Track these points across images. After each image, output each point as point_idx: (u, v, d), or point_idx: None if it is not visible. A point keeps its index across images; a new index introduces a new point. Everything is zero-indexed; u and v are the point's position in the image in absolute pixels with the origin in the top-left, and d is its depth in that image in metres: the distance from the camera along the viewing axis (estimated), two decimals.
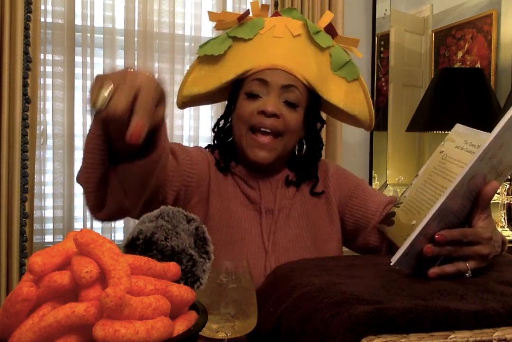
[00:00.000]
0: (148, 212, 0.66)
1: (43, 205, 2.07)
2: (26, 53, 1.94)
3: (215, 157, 1.15)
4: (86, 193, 0.86)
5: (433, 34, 2.60)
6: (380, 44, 2.51)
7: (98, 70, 2.10)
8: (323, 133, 2.28)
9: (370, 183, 2.48)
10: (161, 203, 0.97)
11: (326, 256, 1.08)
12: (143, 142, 0.72)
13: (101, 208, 0.88)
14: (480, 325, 0.61)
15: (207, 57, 1.16)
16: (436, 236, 0.75)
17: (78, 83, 2.07)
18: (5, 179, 1.92)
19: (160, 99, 0.72)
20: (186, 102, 1.21)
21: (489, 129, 0.81)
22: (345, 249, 1.21)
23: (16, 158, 1.93)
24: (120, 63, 2.13)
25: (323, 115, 1.24)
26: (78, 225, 2.09)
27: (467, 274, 0.77)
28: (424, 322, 0.60)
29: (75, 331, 0.48)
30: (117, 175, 0.82)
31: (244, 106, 1.10)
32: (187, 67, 2.13)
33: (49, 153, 2.07)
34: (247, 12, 1.18)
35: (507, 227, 2.25)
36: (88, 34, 2.08)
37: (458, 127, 0.92)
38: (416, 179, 0.98)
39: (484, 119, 2.09)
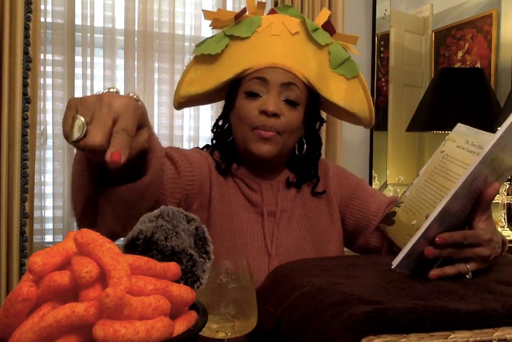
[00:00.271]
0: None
1: (43, 205, 2.07)
2: (26, 53, 1.94)
3: (215, 159, 1.13)
4: (77, 216, 0.83)
5: (433, 34, 2.60)
6: (380, 44, 2.51)
7: (98, 70, 2.10)
8: (323, 133, 2.29)
9: (370, 183, 2.48)
10: None
11: (326, 256, 1.08)
12: (135, 166, 0.70)
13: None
14: (480, 325, 0.61)
15: (204, 57, 1.14)
16: (437, 239, 0.75)
17: (78, 83, 2.07)
18: (5, 179, 1.92)
19: (141, 122, 0.68)
20: (182, 102, 1.20)
21: (489, 129, 0.81)
22: (345, 249, 1.21)
23: (16, 158, 1.93)
24: (120, 63, 2.13)
25: (323, 114, 1.24)
26: None
27: (467, 276, 0.77)
28: (424, 322, 0.60)
29: (75, 331, 0.48)
30: (107, 199, 0.78)
31: (245, 106, 1.08)
32: None
33: (49, 153, 2.07)
34: (244, 10, 1.16)
35: (507, 227, 2.25)
36: (88, 34, 2.08)
37: (459, 127, 0.92)
38: (417, 178, 0.98)
39: (484, 119, 2.09)
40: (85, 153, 0.73)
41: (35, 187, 2.00)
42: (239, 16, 1.15)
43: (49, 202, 2.07)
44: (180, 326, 0.53)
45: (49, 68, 2.05)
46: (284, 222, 1.11)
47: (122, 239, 0.66)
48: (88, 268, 0.49)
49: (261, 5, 1.20)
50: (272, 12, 1.22)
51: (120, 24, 2.13)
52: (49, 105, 2.05)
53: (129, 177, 0.75)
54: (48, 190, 2.07)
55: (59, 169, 2.06)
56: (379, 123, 2.51)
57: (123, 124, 0.64)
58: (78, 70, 2.07)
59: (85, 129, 0.63)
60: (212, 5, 2.28)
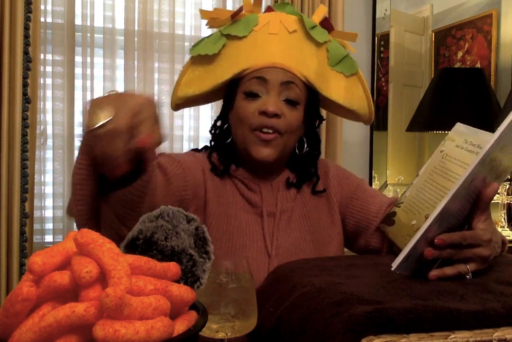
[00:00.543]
0: None
1: (43, 205, 2.07)
2: (26, 53, 1.94)
3: (213, 161, 1.12)
4: (80, 226, 0.84)
5: (433, 34, 2.60)
6: (380, 44, 2.51)
7: (98, 70, 2.10)
8: (323, 133, 2.29)
9: (370, 183, 2.48)
10: None
11: (326, 256, 1.08)
12: (133, 166, 0.72)
13: None
14: (480, 325, 0.61)
15: (201, 57, 1.13)
16: (436, 240, 0.75)
17: (78, 83, 2.07)
18: (5, 179, 1.92)
19: (157, 118, 0.71)
20: (180, 104, 1.19)
21: (489, 129, 0.81)
22: (345, 249, 1.21)
23: (16, 158, 1.93)
24: (120, 63, 2.13)
25: (322, 112, 1.23)
26: None
27: (467, 276, 0.77)
28: (424, 322, 0.60)
29: (75, 331, 0.48)
30: (109, 204, 0.79)
31: (244, 107, 1.07)
32: None
33: (49, 153, 2.07)
34: (241, 9, 1.15)
35: (507, 227, 2.25)
36: (88, 34, 2.08)
37: (459, 127, 0.92)
38: (416, 178, 0.98)
39: (484, 119, 2.09)
40: (87, 161, 0.75)
41: (35, 187, 2.00)
42: (235, 15, 1.13)
43: (49, 202, 2.07)
44: (180, 326, 0.53)
45: (49, 68, 2.05)
46: (284, 223, 1.11)
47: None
48: (88, 268, 0.49)
49: (258, 3, 1.18)
50: (268, 9, 1.20)
51: (120, 24, 2.13)
52: (49, 105, 2.05)
53: (126, 181, 0.76)
54: (48, 190, 2.07)
55: (59, 169, 2.06)
56: (379, 123, 2.51)
57: (147, 114, 0.68)
58: (78, 70, 2.06)
59: (109, 118, 0.66)
60: (212, 5, 2.28)
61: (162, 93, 2.17)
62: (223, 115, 1.15)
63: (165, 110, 2.21)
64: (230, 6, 2.26)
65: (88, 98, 2.07)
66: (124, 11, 2.12)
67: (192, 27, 2.22)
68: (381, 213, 1.12)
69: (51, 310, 0.49)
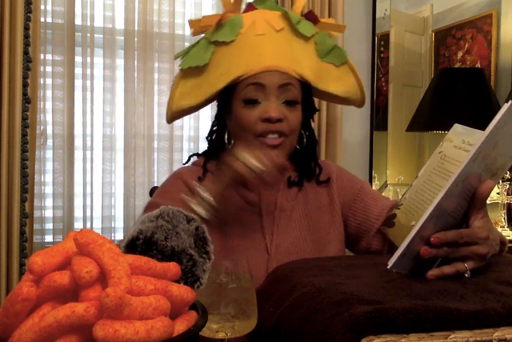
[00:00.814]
0: None
1: (43, 205, 2.07)
2: (26, 53, 1.94)
3: (209, 170, 1.12)
4: None
5: (433, 34, 2.60)
6: (380, 44, 2.51)
7: (98, 70, 2.10)
8: (323, 133, 2.29)
9: (370, 183, 2.48)
10: None
11: (326, 256, 1.08)
12: None
13: None
14: (480, 325, 0.61)
15: (191, 69, 1.11)
16: (432, 239, 0.75)
17: (78, 83, 2.06)
18: (5, 179, 1.92)
19: None
20: (175, 117, 1.19)
21: None
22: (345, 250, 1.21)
23: (16, 158, 1.93)
24: (120, 63, 2.13)
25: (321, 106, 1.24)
26: (78, 225, 2.09)
27: (466, 275, 0.77)
28: (424, 322, 0.60)
29: (75, 331, 0.48)
30: None
31: (245, 115, 1.06)
32: None
33: (49, 153, 2.06)
34: (225, 14, 1.12)
35: (507, 227, 2.25)
36: (88, 34, 2.08)
37: (456, 127, 0.92)
38: (416, 180, 0.98)
39: (484, 119, 2.09)
40: None
41: (35, 187, 2.00)
42: (220, 21, 1.10)
43: (49, 202, 2.07)
44: (180, 326, 0.53)
45: (49, 68, 2.04)
46: (284, 222, 1.11)
47: (122, 239, 0.66)
48: (88, 268, 0.49)
49: (238, 2, 1.16)
50: (250, 7, 1.17)
51: (120, 24, 2.13)
52: (49, 105, 2.05)
53: None
54: (48, 190, 2.07)
55: (59, 169, 2.06)
56: (379, 123, 2.50)
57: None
58: (78, 70, 2.06)
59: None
60: (212, 5, 2.28)
61: (162, 93, 2.16)
62: (220, 122, 1.14)
63: (165, 110, 2.21)
64: None
65: (88, 98, 2.07)
66: (124, 11, 2.12)
67: None
68: (383, 216, 1.11)
69: (51, 310, 0.49)
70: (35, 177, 2.00)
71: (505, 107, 0.74)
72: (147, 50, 2.13)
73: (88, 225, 2.08)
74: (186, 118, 2.21)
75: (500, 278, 0.77)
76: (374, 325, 0.59)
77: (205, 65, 1.10)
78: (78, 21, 2.06)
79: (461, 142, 0.88)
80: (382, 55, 2.52)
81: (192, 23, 1.18)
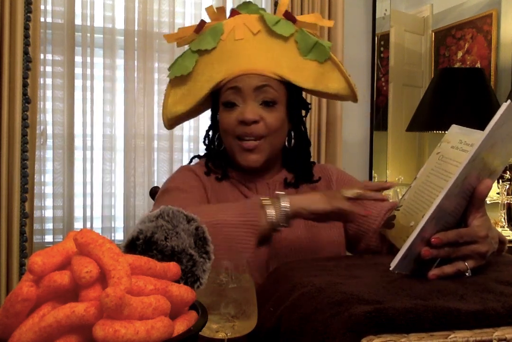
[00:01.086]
0: None
1: (43, 205, 2.07)
2: (26, 53, 1.94)
3: (210, 168, 1.16)
4: None
5: (433, 34, 2.60)
6: (380, 44, 2.51)
7: (98, 70, 2.10)
8: (323, 133, 2.29)
9: None
10: None
11: (326, 256, 1.08)
12: None
13: None
14: (480, 325, 0.61)
15: (179, 78, 1.17)
16: (432, 239, 0.76)
17: (78, 83, 2.06)
18: (5, 178, 1.92)
19: None
20: (172, 123, 1.24)
21: None
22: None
23: (16, 158, 1.93)
24: (120, 63, 2.13)
25: (315, 105, 1.24)
26: (78, 225, 2.09)
27: (467, 274, 0.77)
28: (424, 322, 0.60)
29: (75, 331, 0.48)
30: None
31: (225, 118, 1.11)
32: None
33: (49, 153, 2.06)
34: (202, 22, 1.16)
35: (507, 227, 2.25)
36: (88, 34, 2.08)
37: (453, 128, 0.92)
38: (415, 181, 0.98)
39: (484, 120, 2.09)
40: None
41: (35, 187, 2.00)
42: (199, 30, 1.15)
43: (49, 202, 2.07)
44: (180, 326, 0.53)
45: (49, 68, 2.05)
46: None
47: (122, 239, 0.66)
48: (88, 268, 0.49)
49: (221, 10, 1.20)
50: (233, 13, 1.21)
51: (120, 24, 2.13)
52: (49, 105, 2.05)
53: None
54: (48, 190, 2.07)
55: (59, 169, 2.06)
56: (379, 123, 2.50)
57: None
58: (78, 70, 2.06)
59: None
60: (212, 5, 2.28)
61: (162, 93, 2.15)
62: (213, 125, 1.20)
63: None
64: (230, 6, 2.26)
65: (88, 98, 2.07)
66: (124, 11, 2.12)
67: None
68: (381, 217, 1.12)
69: (51, 310, 0.49)
70: (35, 177, 2.00)
71: (503, 106, 0.74)
72: (147, 50, 2.13)
73: (88, 225, 2.08)
74: None
75: (500, 278, 0.77)
76: (374, 325, 0.59)
77: (191, 73, 1.16)
78: (78, 21, 2.06)
79: (458, 143, 0.88)
80: (382, 55, 2.52)
81: (167, 37, 1.23)
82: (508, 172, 2.21)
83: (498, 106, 2.16)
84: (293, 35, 1.14)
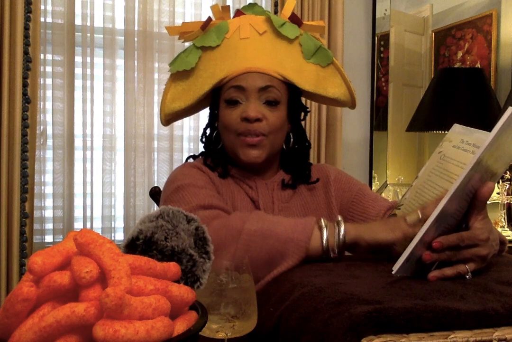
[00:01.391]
0: None
1: (43, 205, 2.07)
2: (26, 53, 1.94)
3: (210, 165, 1.16)
4: None
5: (433, 34, 2.60)
6: (380, 44, 2.51)
7: (98, 70, 2.10)
8: (323, 133, 2.29)
9: (370, 183, 2.48)
10: None
11: None
12: None
13: None
14: (480, 325, 0.61)
15: (181, 73, 1.17)
16: (434, 244, 0.76)
17: (78, 83, 2.06)
18: (5, 178, 1.92)
19: None
20: (170, 119, 1.24)
21: (488, 129, 0.81)
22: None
23: (16, 158, 1.93)
24: (120, 63, 2.13)
25: (315, 106, 1.25)
26: (78, 225, 2.09)
27: (467, 276, 0.77)
28: (424, 322, 0.60)
29: (75, 331, 0.48)
30: None
31: (227, 115, 1.11)
32: None
33: (49, 153, 2.06)
34: (209, 19, 1.17)
35: (507, 227, 2.25)
36: (88, 34, 2.07)
37: (455, 127, 0.92)
38: (416, 180, 0.98)
39: (484, 119, 2.09)
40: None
41: (35, 187, 2.00)
42: (205, 26, 1.15)
43: (49, 202, 2.07)
44: (180, 326, 0.53)
45: (49, 68, 2.04)
46: None
47: (122, 239, 0.66)
48: (88, 268, 0.49)
49: (226, 9, 1.21)
50: (238, 13, 1.22)
51: (120, 24, 2.13)
52: (49, 105, 2.05)
53: None
54: (48, 190, 2.07)
55: (59, 169, 2.06)
56: (379, 123, 2.50)
57: None
58: (78, 70, 2.06)
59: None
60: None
61: (162, 93, 2.16)
62: (211, 123, 1.20)
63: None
64: (230, 7, 2.25)
65: (88, 98, 2.07)
66: (124, 11, 2.12)
67: None
68: (380, 216, 1.13)
69: (51, 310, 0.49)
70: (35, 177, 2.00)
71: (509, 111, 0.74)
72: (147, 50, 2.13)
73: (88, 225, 2.08)
74: (186, 118, 2.21)
75: (500, 278, 0.77)
76: (374, 325, 0.59)
77: (193, 69, 1.16)
78: (78, 21, 2.06)
79: (460, 142, 0.88)
80: (382, 55, 2.52)
81: (169, 29, 1.22)
82: (508, 172, 2.21)
83: (498, 106, 2.17)
84: (298, 38, 1.16)
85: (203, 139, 1.22)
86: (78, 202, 2.08)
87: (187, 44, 2.17)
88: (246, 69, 1.11)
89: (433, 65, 2.60)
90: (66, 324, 0.47)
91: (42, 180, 2.06)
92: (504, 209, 2.25)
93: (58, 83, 2.04)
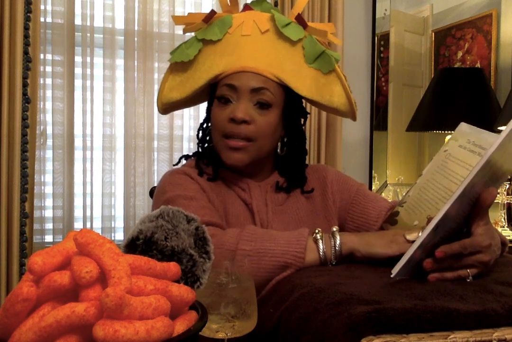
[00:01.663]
0: None
1: (43, 205, 2.07)
2: (26, 53, 1.94)
3: (202, 167, 1.13)
4: None
5: (433, 34, 2.60)
6: (380, 44, 2.51)
7: (98, 70, 2.10)
8: (323, 133, 2.29)
9: (370, 183, 2.48)
10: None
11: None
12: None
13: None
14: (479, 325, 0.61)
15: (180, 64, 1.14)
16: (436, 253, 0.75)
17: (78, 83, 2.06)
18: (5, 178, 1.92)
19: None
20: (166, 108, 1.22)
21: (489, 129, 0.81)
22: None
23: (16, 158, 1.93)
24: (120, 63, 2.13)
25: (314, 110, 1.23)
26: (78, 225, 2.09)
27: (468, 280, 0.77)
28: (423, 322, 0.60)
29: (75, 331, 0.48)
30: None
31: (217, 113, 1.08)
32: None
33: (49, 153, 2.06)
34: (213, 12, 1.13)
35: (507, 227, 2.25)
36: (88, 34, 2.08)
37: (463, 126, 0.91)
38: (420, 178, 0.98)
39: (484, 119, 2.09)
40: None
41: (35, 187, 2.00)
42: (208, 19, 1.12)
43: (49, 202, 2.07)
44: (180, 326, 0.53)
45: (49, 68, 2.05)
46: (277, 225, 1.10)
47: (122, 239, 0.66)
48: (88, 268, 0.49)
49: (235, 2, 1.16)
50: (246, 8, 1.18)
51: (120, 24, 2.13)
52: (49, 105, 2.05)
53: None
54: (48, 190, 2.07)
55: (59, 169, 2.06)
56: (379, 123, 2.51)
57: None
58: (78, 70, 2.06)
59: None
60: (212, 5, 2.28)
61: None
62: (208, 120, 1.16)
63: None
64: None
65: (88, 98, 2.07)
66: (124, 11, 2.12)
67: None
68: (381, 218, 1.11)
69: (51, 310, 0.49)
70: (35, 177, 2.00)
71: None
72: (147, 50, 2.13)
73: (88, 225, 2.08)
74: (186, 118, 2.22)
75: (500, 279, 0.77)
76: (374, 325, 0.59)
77: (192, 61, 1.13)
78: (78, 21, 2.06)
79: (466, 142, 0.87)
80: (382, 55, 2.52)
81: (175, 18, 1.19)
82: None
83: (498, 106, 2.17)
84: (301, 40, 1.10)
85: (199, 136, 1.18)
86: (78, 202, 2.08)
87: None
88: (242, 68, 1.07)
89: (433, 65, 2.60)
90: (66, 324, 0.47)
91: (42, 179, 2.06)
92: (504, 209, 2.25)
93: (58, 83, 2.05)
